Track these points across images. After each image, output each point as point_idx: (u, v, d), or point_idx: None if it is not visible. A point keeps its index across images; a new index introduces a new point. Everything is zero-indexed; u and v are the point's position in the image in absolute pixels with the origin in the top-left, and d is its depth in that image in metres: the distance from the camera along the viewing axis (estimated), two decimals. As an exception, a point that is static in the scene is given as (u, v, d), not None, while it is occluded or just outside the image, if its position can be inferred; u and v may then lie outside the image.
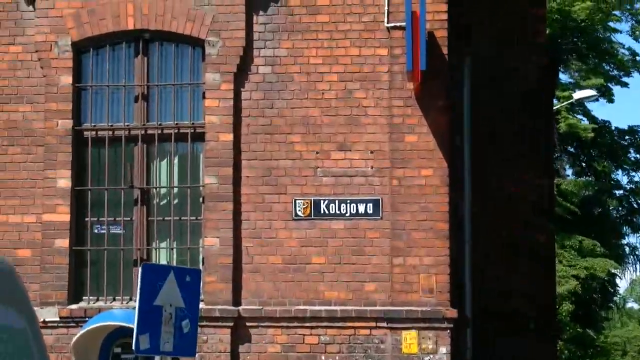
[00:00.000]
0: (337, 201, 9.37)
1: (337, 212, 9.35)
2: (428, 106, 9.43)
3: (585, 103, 26.46)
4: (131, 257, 9.59)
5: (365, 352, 9.09)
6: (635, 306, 53.86)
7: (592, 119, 28.30)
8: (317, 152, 9.47)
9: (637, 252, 31.17)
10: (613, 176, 29.45)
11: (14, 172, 9.63)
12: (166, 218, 9.59)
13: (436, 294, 9.04)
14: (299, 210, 9.36)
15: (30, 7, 9.81)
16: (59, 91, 9.69)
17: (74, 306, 9.43)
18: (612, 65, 28.62)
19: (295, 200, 9.41)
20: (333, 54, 9.62)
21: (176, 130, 9.70)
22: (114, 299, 9.53)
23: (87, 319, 9.03)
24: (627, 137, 28.91)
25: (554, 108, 18.13)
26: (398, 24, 9.47)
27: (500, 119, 11.33)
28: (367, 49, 9.60)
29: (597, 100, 27.03)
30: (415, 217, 9.23)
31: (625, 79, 29.06)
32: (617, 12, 28.65)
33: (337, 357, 9.09)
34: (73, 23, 9.75)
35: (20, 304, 3.28)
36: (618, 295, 34.94)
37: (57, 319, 9.30)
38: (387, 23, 9.55)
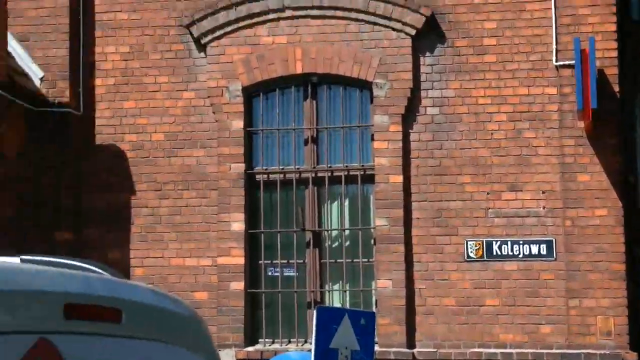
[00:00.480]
0: (509, 242, 10.76)
1: (510, 253, 10.74)
2: (600, 145, 10.72)
3: None
4: (305, 300, 11.19)
5: (542, 395, 10.44)
6: None
7: None
8: (487, 193, 10.87)
9: None
10: None
11: (189, 216, 11.36)
12: (338, 260, 11.15)
13: (614, 337, 10.33)
14: (471, 252, 10.78)
15: (202, 54, 11.55)
16: (230, 135, 11.37)
17: (250, 348, 11.08)
18: None
19: (467, 241, 10.83)
20: (501, 93, 11.01)
21: (346, 173, 11.25)
22: (289, 341, 11.15)
23: (265, 360, 10.64)
24: None
25: None
26: (567, 62, 10.80)
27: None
28: (535, 88, 10.96)
29: None
30: (590, 258, 10.54)
31: None
32: None
33: (513, 400, 10.47)
34: (243, 68, 11.43)
35: (206, 350, 3.56)
36: None
37: (235, 360, 10.95)
38: (556, 62, 10.89)
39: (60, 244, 11.52)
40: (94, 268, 2.77)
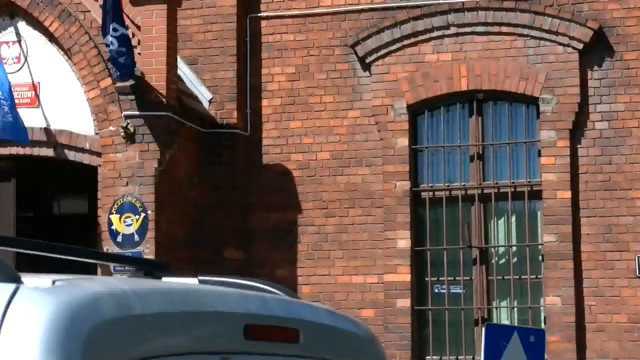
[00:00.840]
0: (683, 258, 11.76)
1: (684, 269, 11.74)
2: None
3: None
4: (472, 317, 12.44)
5: None
6: None
7: None
8: (659, 208, 11.91)
9: None
10: None
11: (355, 233, 12.85)
12: (505, 277, 12.40)
13: None
14: (643, 268, 11.83)
15: (367, 73, 13.09)
16: (396, 153, 12.84)
17: (417, 365, 12.39)
18: None
19: (638, 257, 11.86)
20: (673, 106, 12.06)
21: (512, 189, 12.51)
22: (457, 359, 12.36)
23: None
24: None
25: None
26: None
27: None
28: None
29: None
30: None
31: None
32: None
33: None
34: (408, 86, 12.90)
35: None
36: None
37: (401, 377, 12.30)
38: None
39: (229, 262, 13.24)
40: (270, 288, 3.28)
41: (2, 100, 13.44)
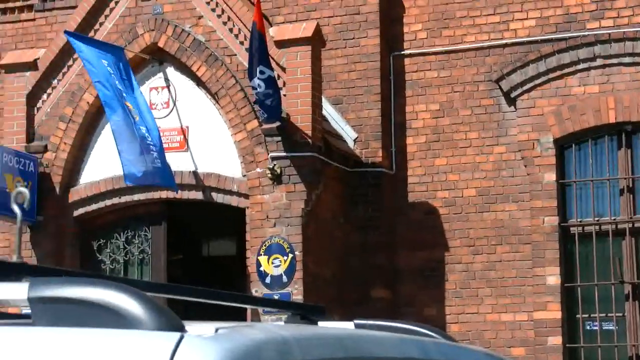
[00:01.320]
0: None
1: None
2: None
3: None
4: (626, 354, 13.93)
5: None
6: None
7: None
8: None
9: None
10: None
11: (503, 270, 14.56)
12: (659, 312, 13.75)
13: None
14: None
15: (512, 108, 14.85)
16: (543, 188, 14.52)
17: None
18: None
19: None
20: None
21: (665, 222, 13.90)
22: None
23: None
24: None
25: None
26: None
27: None
28: None
29: None
30: None
31: None
32: None
33: None
34: (554, 120, 14.59)
35: None
36: None
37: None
38: None
39: (377, 302, 15.07)
40: (427, 331, 4.11)
41: (151, 146, 15.37)
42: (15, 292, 3.14)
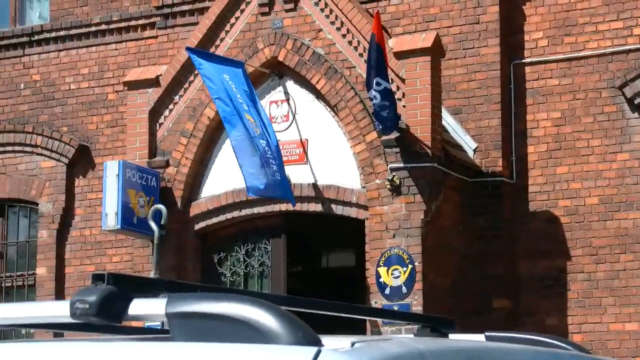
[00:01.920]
0: None
1: None
2: None
3: None
4: None
5: None
6: None
7: None
8: None
9: None
10: None
11: (627, 279, 15.09)
12: None
13: None
14: None
15: (635, 114, 15.28)
16: (667, 196, 14.78)
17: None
18: None
19: None
20: None
21: None
22: None
23: None
24: None
25: None
26: None
27: None
28: None
29: None
30: None
31: None
32: None
33: None
34: None
35: None
36: None
37: None
38: None
39: (497, 312, 15.54)
40: (561, 344, 4.02)
41: (271, 160, 16.04)
42: (154, 307, 3.32)
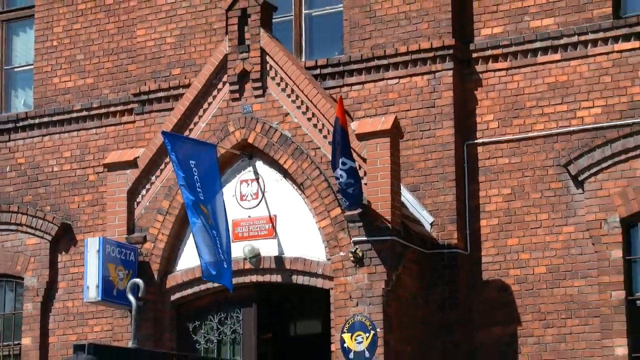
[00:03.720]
0: None
1: None
2: None
3: None
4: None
5: None
6: None
7: None
8: None
9: None
10: None
11: (574, 342, 16.09)
12: None
13: None
14: None
15: (579, 190, 16.46)
16: (610, 265, 16.04)
17: None
18: None
19: None
20: None
21: None
22: None
23: None
24: None
25: None
26: None
27: None
28: None
29: None
30: None
31: None
32: None
33: None
34: (620, 201, 16.24)
35: None
36: None
37: None
38: None
39: None
40: None
41: (220, 251, 16.13)
42: None
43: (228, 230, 16.61)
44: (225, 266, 16.26)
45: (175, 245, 17.56)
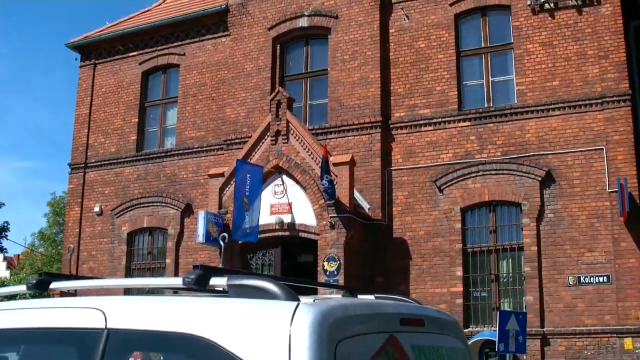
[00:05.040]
0: None
1: None
2: None
3: None
4: None
5: None
6: None
7: None
8: None
9: None
10: None
11: (433, 270, 16.87)
12: None
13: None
14: None
15: (441, 194, 17.33)
16: (455, 231, 16.85)
17: None
18: None
19: None
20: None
21: None
22: None
23: None
24: None
25: None
26: None
27: None
28: None
29: None
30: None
31: None
32: None
33: None
34: (460, 199, 16.99)
35: (460, 338, 3.91)
36: None
37: None
38: None
39: (378, 284, 16.92)
40: (407, 299, 3.72)
41: (247, 222, 15.68)
42: (222, 281, 3.16)
43: (259, 212, 16.34)
44: (252, 232, 16.25)
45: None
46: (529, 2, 16.77)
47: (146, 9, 23.62)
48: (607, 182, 15.55)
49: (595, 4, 16.37)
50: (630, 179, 15.28)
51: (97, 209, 21.20)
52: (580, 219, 15.69)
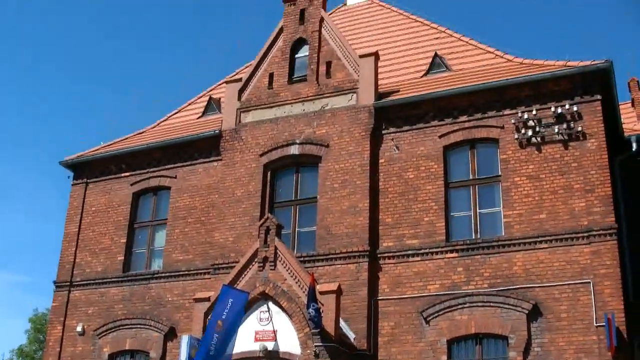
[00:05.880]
0: None
1: None
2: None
3: None
4: None
5: None
6: None
7: None
8: None
9: None
10: None
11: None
12: None
13: None
14: None
15: (427, 325, 17.29)
16: None
17: None
18: None
19: None
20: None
21: None
22: None
23: None
24: None
25: None
26: None
27: None
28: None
29: None
30: None
31: None
32: None
33: None
34: (447, 331, 16.96)
35: None
36: None
37: None
38: None
39: None
40: None
41: (212, 349, 15.19)
42: None
43: (234, 341, 16.10)
44: (217, 357, 15.60)
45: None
46: (516, 136, 17.30)
47: (140, 131, 24.27)
48: (594, 316, 15.63)
49: (581, 138, 16.97)
50: (617, 313, 15.43)
51: (79, 328, 21.00)
52: (567, 353, 15.65)
